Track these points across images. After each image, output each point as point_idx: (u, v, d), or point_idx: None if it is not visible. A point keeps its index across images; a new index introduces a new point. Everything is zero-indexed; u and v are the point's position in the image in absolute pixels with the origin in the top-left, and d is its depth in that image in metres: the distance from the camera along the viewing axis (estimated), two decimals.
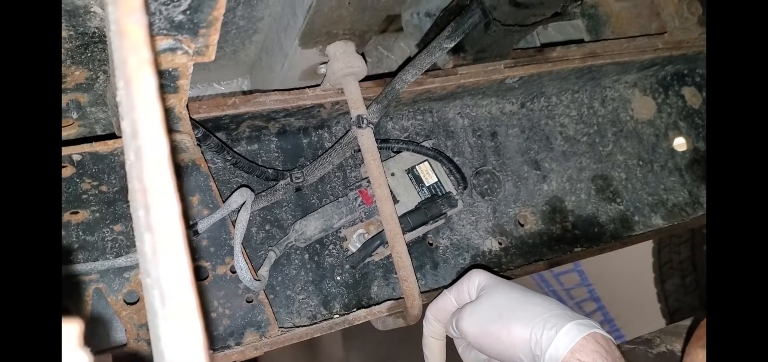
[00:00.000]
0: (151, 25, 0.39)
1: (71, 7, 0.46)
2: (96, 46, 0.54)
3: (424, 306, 0.77)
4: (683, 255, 1.93)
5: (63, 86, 0.59)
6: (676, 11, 1.05)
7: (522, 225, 0.94)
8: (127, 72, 0.21)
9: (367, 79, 0.84)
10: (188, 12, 0.40)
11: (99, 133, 0.70)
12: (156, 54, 0.41)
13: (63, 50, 0.53)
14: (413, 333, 0.81)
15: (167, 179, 0.21)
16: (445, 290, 0.75)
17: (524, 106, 1.01)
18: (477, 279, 0.72)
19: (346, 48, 0.81)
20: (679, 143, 1.10)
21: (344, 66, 0.80)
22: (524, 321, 0.64)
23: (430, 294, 0.83)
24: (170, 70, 0.46)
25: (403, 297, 0.77)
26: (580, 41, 1.13)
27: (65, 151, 0.61)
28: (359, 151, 0.81)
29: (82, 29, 0.50)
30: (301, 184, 0.80)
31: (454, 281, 0.76)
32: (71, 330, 0.22)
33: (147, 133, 0.21)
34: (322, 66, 0.86)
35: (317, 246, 0.82)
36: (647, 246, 2.01)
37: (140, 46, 0.22)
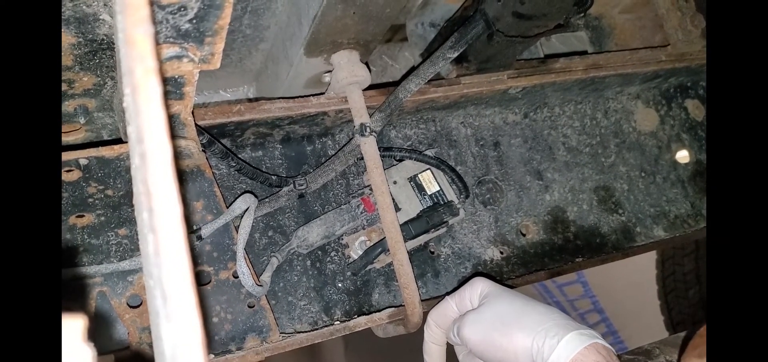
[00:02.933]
0: (157, 33, 0.40)
1: (81, 14, 0.47)
2: (104, 52, 0.55)
3: (425, 314, 0.78)
4: (687, 268, 1.92)
5: (71, 91, 0.60)
6: (680, 24, 1.05)
7: (524, 235, 0.95)
8: (133, 80, 0.22)
9: (370, 87, 0.85)
10: (194, 21, 0.41)
11: (105, 137, 0.72)
12: (162, 61, 0.42)
13: (72, 56, 0.54)
14: (414, 341, 0.82)
15: (170, 182, 0.22)
16: (447, 296, 0.76)
17: (527, 116, 1.02)
18: (479, 286, 0.73)
19: (351, 57, 0.82)
20: (682, 155, 1.10)
21: (348, 75, 0.81)
22: (526, 330, 0.65)
23: (431, 302, 0.83)
24: (176, 77, 0.47)
25: (403, 305, 0.77)
26: (584, 53, 1.13)
27: (72, 155, 0.62)
28: (362, 158, 0.82)
29: (90, 36, 0.52)
30: (304, 191, 0.81)
31: (456, 288, 0.77)
32: (76, 325, 0.23)
33: (151, 138, 0.21)
34: (326, 74, 0.87)
35: (319, 252, 0.83)
36: (651, 257, 2.01)
37: (146, 55, 0.22)
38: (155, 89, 0.22)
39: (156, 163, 0.21)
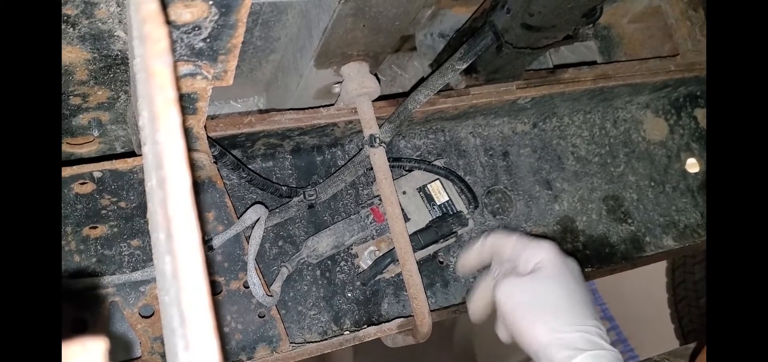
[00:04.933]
0: (172, 51, 0.41)
1: (96, 32, 0.48)
2: (118, 67, 0.56)
3: (434, 324, 0.78)
4: (697, 276, 1.91)
5: (85, 105, 0.61)
6: (689, 34, 1.05)
7: None
8: (154, 109, 0.23)
9: (380, 98, 0.86)
10: (208, 40, 0.41)
11: (118, 149, 0.72)
12: (177, 79, 0.43)
13: (87, 71, 0.55)
14: (423, 351, 0.82)
15: (189, 211, 0.22)
16: (515, 235, 0.71)
17: (536, 126, 1.02)
18: (541, 255, 0.68)
19: (360, 68, 0.83)
20: (691, 164, 1.10)
21: (358, 86, 0.82)
22: (549, 327, 0.62)
23: (440, 312, 0.83)
24: (190, 93, 0.48)
25: (413, 315, 0.78)
26: (593, 63, 1.13)
27: (86, 168, 0.63)
28: (371, 169, 0.82)
29: (105, 52, 0.52)
30: (314, 201, 0.82)
31: (465, 297, 0.76)
32: (97, 348, 0.23)
33: (171, 166, 0.22)
34: (336, 85, 0.87)
35: (329, 262, 0.83)
36: (661, 266, 2.00)
37: (166, 86, 0.23)
38: (175, 119, 0.23)
39: (176, 191, 0.22)
